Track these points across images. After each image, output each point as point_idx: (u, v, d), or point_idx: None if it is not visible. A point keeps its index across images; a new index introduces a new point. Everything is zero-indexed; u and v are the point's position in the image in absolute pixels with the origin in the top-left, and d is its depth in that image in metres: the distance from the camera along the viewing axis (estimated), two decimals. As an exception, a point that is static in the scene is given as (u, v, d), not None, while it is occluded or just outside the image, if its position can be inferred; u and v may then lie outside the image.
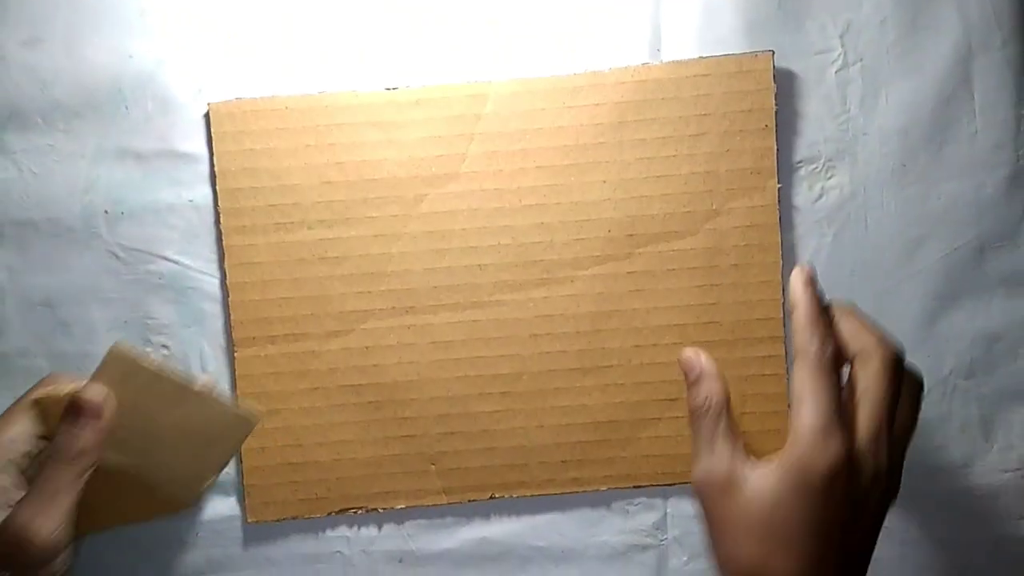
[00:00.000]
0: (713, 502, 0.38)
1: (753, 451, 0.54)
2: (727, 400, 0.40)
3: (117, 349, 0.39)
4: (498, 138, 0.52)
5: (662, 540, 0.54)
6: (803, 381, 0.38)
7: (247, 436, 0.43)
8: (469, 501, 0.53)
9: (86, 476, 0.39)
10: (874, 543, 0.39)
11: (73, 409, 0.40)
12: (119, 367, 0.40)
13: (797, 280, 0.40)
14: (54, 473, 0.38)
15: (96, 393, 0.40)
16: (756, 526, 0.37)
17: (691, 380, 0.41)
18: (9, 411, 0.43)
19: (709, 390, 0.40)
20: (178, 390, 0.41)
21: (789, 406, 0.40)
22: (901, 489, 0.53)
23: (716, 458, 0.38)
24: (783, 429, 0.53)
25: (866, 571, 0.39)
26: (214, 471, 0.47)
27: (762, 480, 0.37)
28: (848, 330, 0.40)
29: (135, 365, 0.40)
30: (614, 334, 0.52)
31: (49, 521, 0.37)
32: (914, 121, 0.52)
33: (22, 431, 0.41)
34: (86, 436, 0.39)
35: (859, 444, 0.37)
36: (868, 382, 0.38)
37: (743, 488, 0.38)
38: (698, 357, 0.41)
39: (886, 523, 0.53)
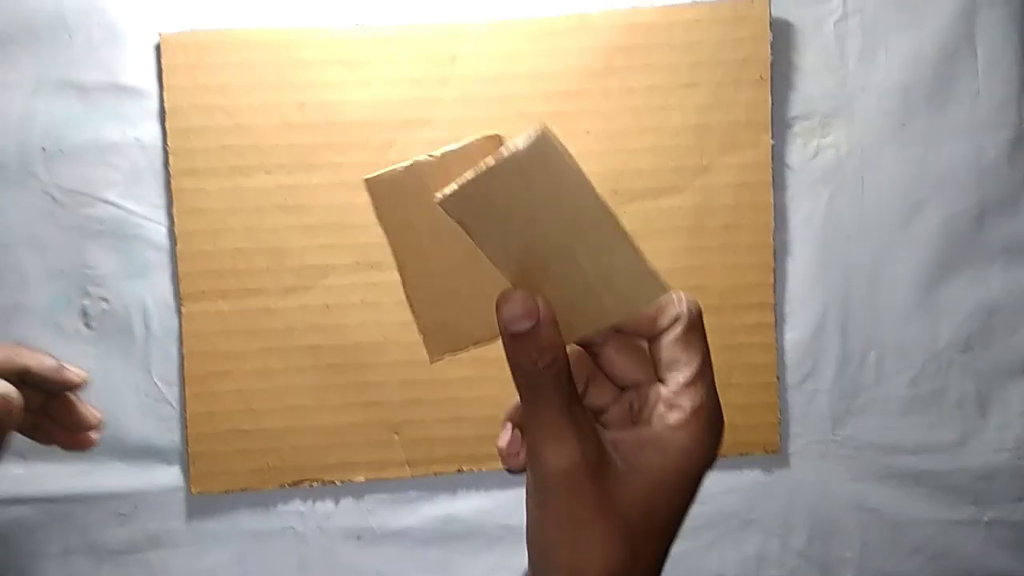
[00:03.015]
0: (576, 492, 0.29)
1: (735, 424, 0.51)
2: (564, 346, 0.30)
3: (545, 133, 0.27)
4: (475, 82, 0.48)
5: (641, 519, 0.50)
6: (696, 351, 0.30)
7: (637, 312, 0.31)
8: (435, 474, 0.49)
9: None
10: None
11: None
12: (540, 153, 0.27)
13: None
14: None
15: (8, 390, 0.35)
16: (631, 515, 0.30)
17: (521, 329, 0.29)
18: None
19: (552, 343, 0.29)
20: (584, 211, 0.28)
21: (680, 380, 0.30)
22: (892, 469, 0.51)
23: (581, 436, 0.29)
24: (772, 403, 0.50)
25: None
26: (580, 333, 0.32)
27: (643, 469, 0.30)
28: None
29: (561, 163, 0.28)
30: (595, 296, 0.49)
31: None
32: (914, 78, 0.50)
33: None
34: None
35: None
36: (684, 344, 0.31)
37: (616, 471, 0.30)
38: (530, 299, 0.29)
39: (876, 505, 0.51)
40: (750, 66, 0.48)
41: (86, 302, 0.48)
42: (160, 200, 0.48)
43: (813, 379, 0.51)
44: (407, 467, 0.49)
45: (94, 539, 0.49)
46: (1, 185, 0.48)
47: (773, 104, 0.48)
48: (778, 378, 0.50)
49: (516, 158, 0.27)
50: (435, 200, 0.29)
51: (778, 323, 0.50)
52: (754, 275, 0.49)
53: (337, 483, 0.49)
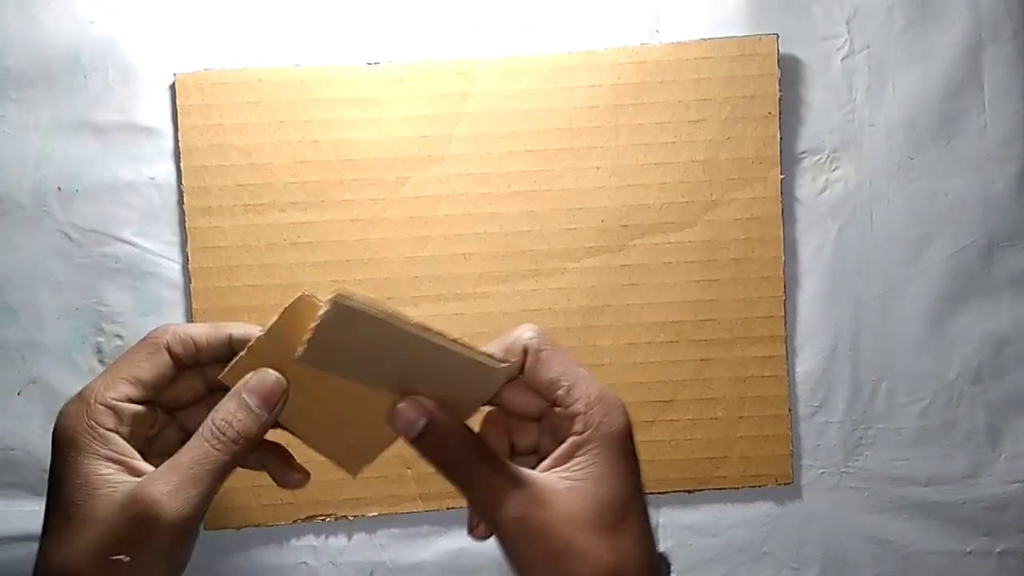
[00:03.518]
0: (539, 532, 0.31)
1: (747, 457, 0.51)
2: (463, 423, 0.34)
3: (337, 300, 0.31)
4: (486, 119, 0.48)
5: (653, 552, 0.50)
6: (559, 364, 0.34)
7: (491, 394, 0.36)
8: (448, 509, 0.50)
9: (237, 464, 0.34)
10: None
11: (256, 390, 0.34)
12: (340, 319, 0.32)
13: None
14: (208, 452, 0.33)
15: (279, 382, 0.35)
16: (595, 518, 0.32)
17: (419, 430, 0.33)
18: (128, 359, 0.35)
19: (451, 426, 0.33)
20: (407, 338, 0.33)
21: None
22: (904, 500, 0.51)
23: (516, 485, 0.32)
24: (784, 435, 0.50)
25: None
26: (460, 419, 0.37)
27: (580, 478, 0.32)
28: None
29: (363, 318, 0.32)
30: (606, 331, 0.49)
31: (186, 503, 0.31)
32: (922, 113, 0.50)
33: (135, 390, 0.34)
34: (259, 424, 0.34)
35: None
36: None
37: (559, 498, 0.32)
38: (413, 403, 0.33)
39: (888, 536, 0.51)
40: (759, 102, 0.49)
41: (101, 339, 0.49)
42: (175, 238, 0.49)
43: (824, 411, 0.51)
44: (420, 501, 0.49)
45: None
46: (17, 224, 0.48)
47: (782, 139, 0.49)
48: (789, 410, 0.50)
49: (325, 324, 0.31)
50: (295, 362, 0.32)
51: (789, 356, 0.50)
52: (764, 308, 0.50)
53: (350, 518, 0.49)
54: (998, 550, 0.51)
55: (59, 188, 0.48)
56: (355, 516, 0.49)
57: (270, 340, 0.35)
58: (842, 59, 0.50)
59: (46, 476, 0.48)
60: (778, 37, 0.48)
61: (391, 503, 0.49)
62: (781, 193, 0.49)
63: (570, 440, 0.33)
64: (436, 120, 0.48)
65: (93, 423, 0.33)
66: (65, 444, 0.33)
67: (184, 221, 0.48)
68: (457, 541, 0.50)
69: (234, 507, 0.48)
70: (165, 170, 0.49)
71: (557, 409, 0.34)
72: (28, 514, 0.48)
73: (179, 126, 0.48)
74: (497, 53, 0.48)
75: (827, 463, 0.51)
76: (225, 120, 0.48)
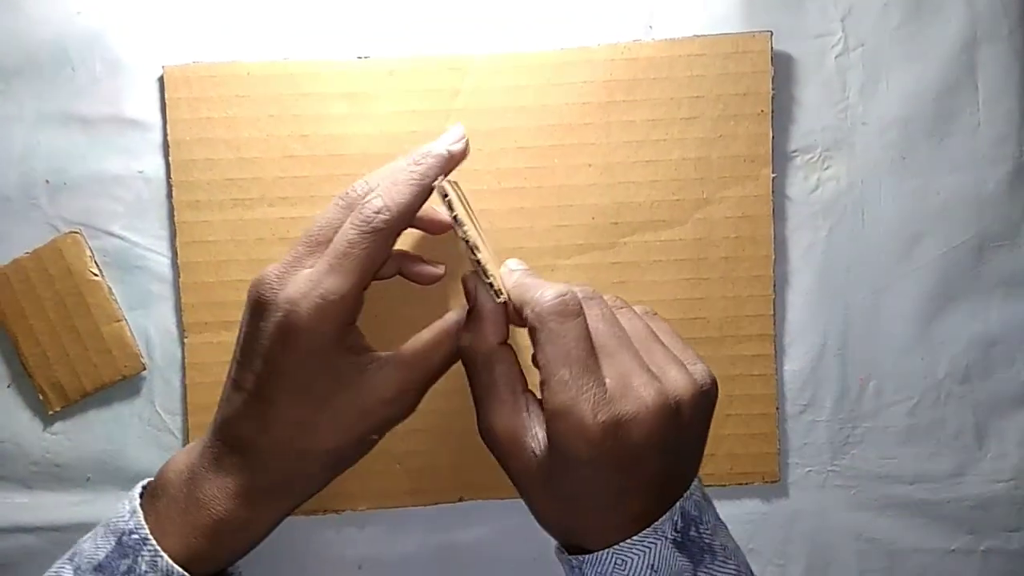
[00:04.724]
0: (500, 456, 0.36)
1: (734, 454, 0.51)
2: (503, 345, 0.37)
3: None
4: (477, 115, 0.48)
5: (640, 548, 0.51)
6: (547, 354, 0.35)
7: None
8: (436, 504, 0.50)
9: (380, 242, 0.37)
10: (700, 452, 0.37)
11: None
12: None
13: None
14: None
15: None
16: (547, 486, 0.34)
17: (469, 317, 0.38)
18: None
19: (481, 333, 0.37)
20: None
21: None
22: (890, 498, 0.51)
23: (496, 410, 0.36)
24: (771, 433, 0.50)
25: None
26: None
27: (548, 436, 0.34)
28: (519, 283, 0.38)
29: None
30: (595, 328, 0.49)
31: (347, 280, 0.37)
32: (915, 111, 0.50)
33: None
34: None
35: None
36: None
37: (527, 445, 0.35)
38: (473, 279, 0.38)
39: (874, 534, 0.51)
40: (751, 100, 0.48)
41: (89, 333, 0.49)
42: (163, 232, 0.49)
43: (812, 409, 0.51)
44: (409, 496, 0.50)
45: (97, 567, 0.49)
46: (4, 217, 0.48)
47: (774, 137, 0.49)
48: (777, 409, 0.50)
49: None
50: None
51: (778, 354, 0.50)
52: (754, 307, 0.50)
53: (338, 512, 0.49)
54: (982, 548, 0.51)
55: (47, 181, 0.48)
56: (344, 510, 0.49)
57: (29, 261, 0.46)
58: (836, 57, 0.49)
59: (35, 469, 0.49)
60: (772, 34, 0.48)
61: (380, 498, 0.49)
62: (772, 192, 0.49)
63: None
64: (426, 115, 0.48)
65: None
66: None
67: (173, 215, 0.48)
68: (446, 536, 0.50)
69: (223, 501, 0.48)
70: (153, 163, 0.48)
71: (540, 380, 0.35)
72: (18, 506, 0.48)
73: (167, 119, 0.47)
74: (489, 49, 0.48)
75: (814, 461, 0.51)
76: (214, 114, 0.47)
